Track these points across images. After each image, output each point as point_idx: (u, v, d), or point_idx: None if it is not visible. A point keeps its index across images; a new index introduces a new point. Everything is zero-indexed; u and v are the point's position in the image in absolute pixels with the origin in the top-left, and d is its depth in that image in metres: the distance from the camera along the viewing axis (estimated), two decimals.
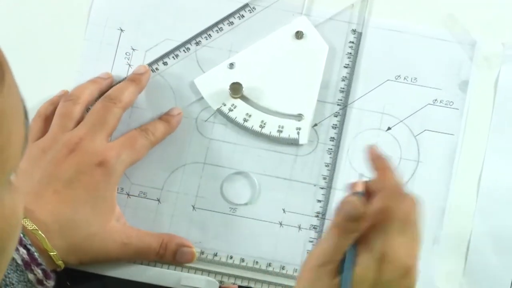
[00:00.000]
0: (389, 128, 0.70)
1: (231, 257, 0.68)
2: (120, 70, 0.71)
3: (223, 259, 0.68)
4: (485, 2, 0.72)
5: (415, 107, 0.70)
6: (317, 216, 0.68)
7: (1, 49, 0.36)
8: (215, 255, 0.68)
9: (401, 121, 0.70)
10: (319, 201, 0.69)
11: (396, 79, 0.71)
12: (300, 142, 0.69)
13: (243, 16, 0.72)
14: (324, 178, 0.69)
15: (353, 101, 0.71)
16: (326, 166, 0.69)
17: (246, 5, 0.72)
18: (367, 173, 0.69)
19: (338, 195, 0.69)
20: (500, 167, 0.69)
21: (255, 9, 0.72)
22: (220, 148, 0.70)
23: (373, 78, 0.71)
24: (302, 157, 0.70)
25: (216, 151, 0.70)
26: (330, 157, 0.69)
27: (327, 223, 0.68)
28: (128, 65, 0.71)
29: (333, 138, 0.70)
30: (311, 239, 0.68)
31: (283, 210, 0.69)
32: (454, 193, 0.69)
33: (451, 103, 0.71)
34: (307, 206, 0.69)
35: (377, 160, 0.56)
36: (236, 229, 0.68)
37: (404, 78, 0.71)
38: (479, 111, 0.70)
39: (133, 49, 0.72)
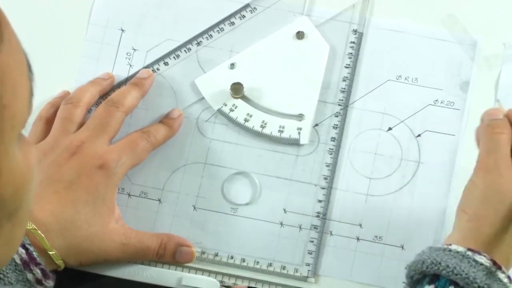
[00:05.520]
0: (390, 129, 0.70)
1: (231, 257, 0.68)
2: (121, 71, 0.71)
3: (224, 259, 0.68)
4: (485, 2, 0.72)
5: (416, 107, 0.70)
6: (318, 216, 0.68)
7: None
8: (216, 255, 0.68)
9: (402, 121, 0.70)
10: (320, 201, 0.69)
11: (397, 79, 0.71)
12: (301, 142, 0.69)
13: (244, 16, 0.72)
14: (325, 178, 0.69)
15: (354, 101, 0.71)
16: (327, 166, 0.69)
17: (247, 5, 0.72)
18: (369, 174, 0.69)
19: (339, 195, 0.69)
20: None
21: (256, 9, 0.72)
22: (221, 148, 0.70)
23: (374, 78, 0.71)
24: (303, 157, 0.70)
25: (217, 151, 0.70)
26: (331, 157, 0.69)
27: (328, 223, 0.68)
28: (129, 65, 0.71)
29: (334, 138, 0.70)
30: (312, 239, 0.68)
31: (284, 210, 0.69)
32: (455, 193, 0.68)
33: (452, 104, 0.71)
34: (308, 206, 0.69)
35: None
36: (237, 229, 0.68)
37: (405, 79, 0.71)
38: (480, 112, 0.70)
39: (134, 49, 0.72)
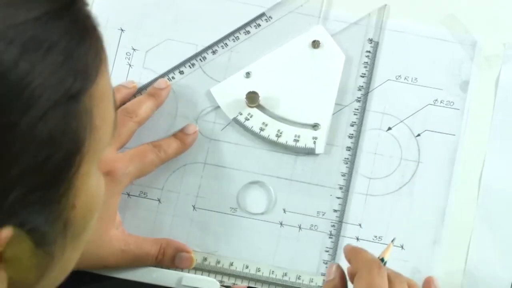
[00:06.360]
0: (389, 128, 0.70)
1: (247, 267, 0.67)
2: (121, 70, 0.71)
3: (239, 269, 0.67)
4: (485, 3, 0.72)
5: (415, 107, 0.70)
6: (333, 226, 0.68)
7: (103, 41, 0.38)
8: (231, 264, 0.67)
9: (402, 121, 0.70)
10: (335, 210, 0.68)
11: (397, 79, 0.71)
12: (317, 151, 0.69)
13: (260, 25, 0.72)
14: (340, 188, 0.68)
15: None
16: (342, 175, 0.69)
17: (263, 14, 0.72)
18: (368, 174, 0.69)
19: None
20: (501, 167, 0.69)
21: (271, 18, 0.72)
22: (221, 148, 0.70)
23: (373, 78, 0.71)
24: (303, 157, 0.69)
25: (217, 151, 0.70)
26: (347, 167, 0.69)
27: (328, 223, 0.68)
28: (128, 65, 0.71)
29: (349, 147, 0.69)
30: (327, 249, 0.67)
31: (284, 210, 0.69)
32: (455, 193, 0.69)
33: (452, 103, 0.71)
34: (307, 205, 0.68)
35: (352, 250, 0.60)
36: (237, 229, 0.68)
37: (405, 78, 0.71)
38: (480, 111, 0.70)
39: (133, 49, 0.72)
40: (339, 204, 0.68)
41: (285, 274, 0.67)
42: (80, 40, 0.36)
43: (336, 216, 0.68)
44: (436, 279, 0.63)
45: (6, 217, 0.35)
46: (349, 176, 0.69)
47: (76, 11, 0.37)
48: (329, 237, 0.68)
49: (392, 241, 0.61)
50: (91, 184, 0.40)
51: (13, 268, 0.37)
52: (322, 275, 0.67)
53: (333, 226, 0.68)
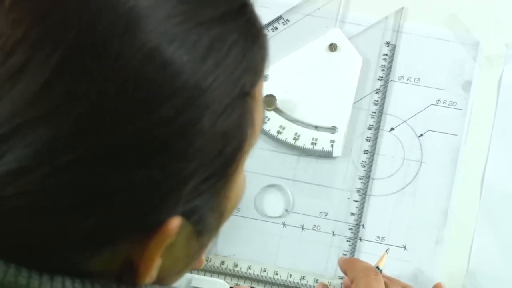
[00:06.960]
0: (392, 129, 0.70)
1: (264, 270, 0.67)
2: None
3: (257, 272, 0.67)
4: (488, 3, 0.72)
5: (418, 107, 0.70)
6: (351, 229, 0.68)
7: (268, 43, 0.40)
8: (249, 267, 0.67)
9: (404, 121, 0.70)
10: (353, 214, 0.68)
11: (399, 80, 0.71)
12: (334, 154, 0.69)
13: (277, 28, 0.72)
14: (358, 191, 0.69)
15: (356, 101, 0.71)
16: (360, 178, 0.69)
17: (280, 17, 0.72)
18: (371, 174, 0.69)
19: (342, 195, 0.69)
20: (503, 166, 0.69)
21: (288, 21, 0.72)
22: None
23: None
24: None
25: None
26: (364, 170, 0.69)
27: (329, 223, 0.69)
28: None
29: (367, 151, 0.69)
30: (345, 253, 0.68)
31: (286, 210, 0.69)
32: (457, 193, 0.69)
33: (454, 104, 0.71)
34: (308, 204, 0.69)
35: (347, 260, 0.63)
36: (238, 229, 0.68)
37: (407, 79, 0.71)
38: (482, 111, 0.71)
39: None
40: (356, 207, 0.68)
41: (290, 275, 0.67)
42: (254, 40, 0.38)
43: (354, 220, 0.68)
44: (444, 285, 0.63)
45: (180, 207, 0.36)
46: (366, 179, 0.69)
47: (249, 12, 0.38)
48: (347, 241, 0.68)
49: (387, 251, 0.62)
50: (241, 179, 0.41)
51: (168, 257, 0.38)
52: (340, 278, 0.67)
53: (350, 229, 0.68)
